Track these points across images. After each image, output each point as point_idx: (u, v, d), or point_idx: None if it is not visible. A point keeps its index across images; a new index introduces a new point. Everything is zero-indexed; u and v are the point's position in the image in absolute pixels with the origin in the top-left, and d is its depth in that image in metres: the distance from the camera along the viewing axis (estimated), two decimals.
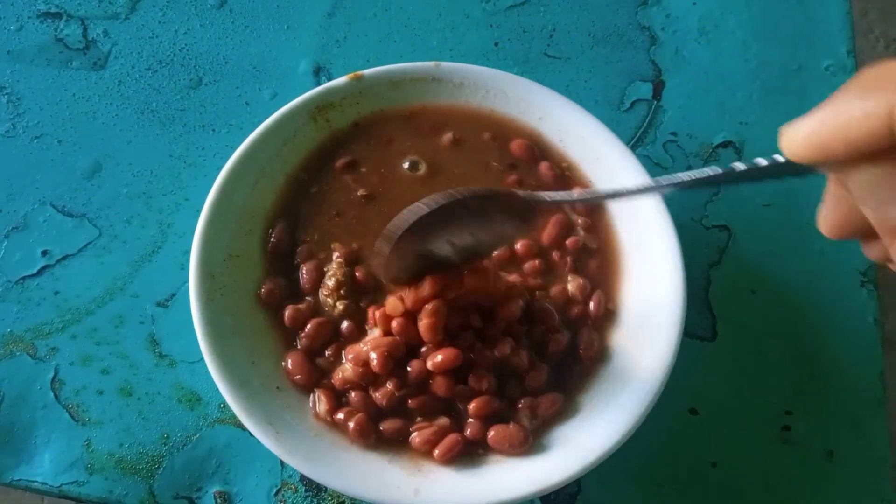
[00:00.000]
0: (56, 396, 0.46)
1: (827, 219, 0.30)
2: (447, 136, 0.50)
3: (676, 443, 0.48)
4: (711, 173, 0.32)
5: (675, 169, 0.56)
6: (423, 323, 0.41)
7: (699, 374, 0.50)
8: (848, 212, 0.28)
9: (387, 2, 0.60)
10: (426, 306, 0.41)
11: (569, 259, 0.47)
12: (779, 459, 0.48)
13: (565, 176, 0.50)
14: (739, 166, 0.31)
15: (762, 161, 0.30)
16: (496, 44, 0.60)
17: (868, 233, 0.27)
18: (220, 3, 0.58)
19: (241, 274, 0.44)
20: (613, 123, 0.50)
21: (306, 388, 0.42)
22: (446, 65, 0.50)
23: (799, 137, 0.26)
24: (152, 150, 0.53)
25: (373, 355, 0.41)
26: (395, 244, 0.37)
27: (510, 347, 0.42)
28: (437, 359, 0.41)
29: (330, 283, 0.44)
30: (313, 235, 0.46)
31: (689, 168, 0.56)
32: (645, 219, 0.47)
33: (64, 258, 0.49)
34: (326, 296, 0.44)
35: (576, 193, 0.46)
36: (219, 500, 0.44)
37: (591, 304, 0.46)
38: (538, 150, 0.50)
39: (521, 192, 0.39)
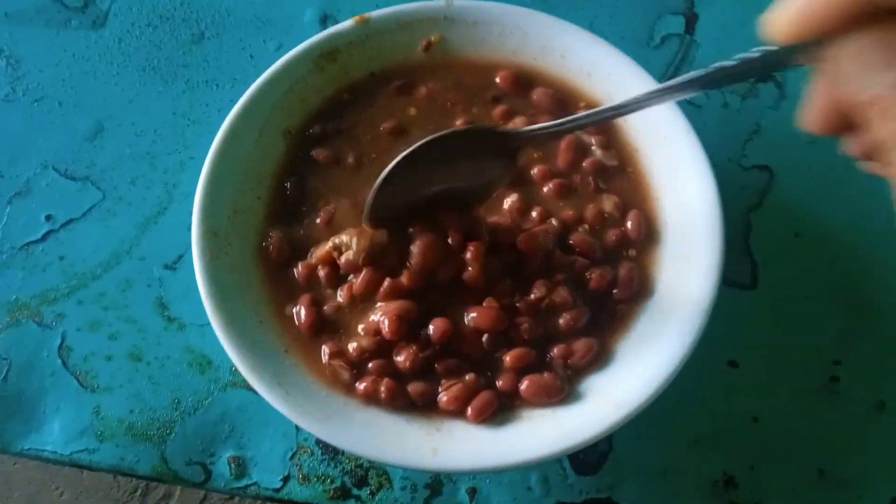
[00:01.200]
0: (64, 363, 0.44)
1: (810, 113, 0.30)
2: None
3: (714, 397, 0.45)
4: (697, 74, 0.32)
5: (709, 106, 0.52)
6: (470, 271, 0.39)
7: (739, 324, 0.46)
8: (831, 103, 0.28)
9: None
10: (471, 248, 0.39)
11: (591, 180, 0.43)
12: (826, 412, 0.44)
13: (565, 99, 0.46)
14: (727, 63, 0.30)
15: (752, 54, 0.29)
16: None
17: (849, 125, 0.27)
18: None
19: (246, 230, 0.42)
20: (643, 61, 0.46)
21: (315, 336, 0.40)
22: (459, 2, 0.47)
23: (786, 17, 0.25)
24: (155, 108, 0.51)
25: (384, 321, 0.39)
26: (381, 187, 0.37)
27: (546, 287, 0.39)
28: (473, 317, 0.39)
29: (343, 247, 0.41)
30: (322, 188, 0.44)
31: (725, 105, 0.52)
32: (664, 130, 0.44)
33: (68, 222, 0.48)
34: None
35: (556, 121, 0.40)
36: (233, 465, 0.42)
37: (630, 225, 0.43)
38: (527, 80, 0.47)
39: (498, 127, 0.37)
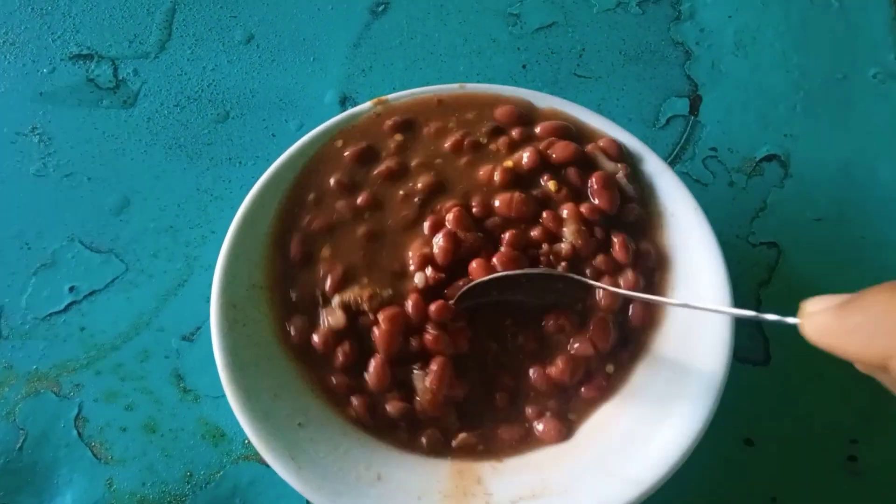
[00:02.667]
0: (79, 434, 0.45)
1: None
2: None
3: (732, 476, 0.44)
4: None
5: (715, 185, 0.54)
6: None
7: (753, 401, 0.46)
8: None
9: (412, 30, 0.60)
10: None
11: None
12: (846, 492, 0.44)
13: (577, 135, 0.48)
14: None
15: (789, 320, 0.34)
16: (524, 66, 0.58)
17: None
18: (247, 38, 0.59)
19: (265, 304, 0.43)
20: (649, 141, 0.48)
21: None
22: (472, 86, 0.49)
23: (812, 329, 0.30)
24: (179, 184, 0.53)
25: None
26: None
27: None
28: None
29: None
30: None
31: (731, 184, 0.54)
32: (671, 207, 0.45)
33: (91, 294, 0.49)
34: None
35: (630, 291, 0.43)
36: None
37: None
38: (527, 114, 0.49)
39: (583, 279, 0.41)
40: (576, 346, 0.41)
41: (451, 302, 0.41)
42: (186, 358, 0.47)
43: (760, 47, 0.59)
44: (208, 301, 0.46)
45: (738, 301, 0.47)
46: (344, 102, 0.56)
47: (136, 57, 0.58)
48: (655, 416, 0.40)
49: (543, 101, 0.49)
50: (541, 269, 0.43)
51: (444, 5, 0.61)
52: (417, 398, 0.41)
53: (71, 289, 0.49)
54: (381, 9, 0.60)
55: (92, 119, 0.55)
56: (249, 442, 0.44)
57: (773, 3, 0.61)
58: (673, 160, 0.55)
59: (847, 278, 0.50)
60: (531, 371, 0.42)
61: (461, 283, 0.42)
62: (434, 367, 0.40)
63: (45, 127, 0.55)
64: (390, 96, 0.48)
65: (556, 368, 0.42)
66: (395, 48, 0.59)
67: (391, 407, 0.41)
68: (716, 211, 0.50)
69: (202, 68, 0.57)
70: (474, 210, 0.45)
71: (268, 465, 0.44)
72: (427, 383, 0.41)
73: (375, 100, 0.48)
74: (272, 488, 0.43)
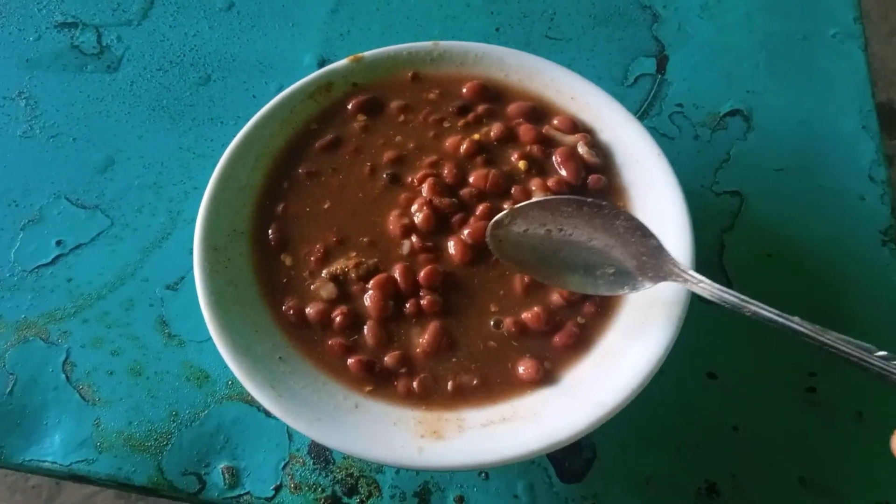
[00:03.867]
0: (67, 378, 0.46)
1: None
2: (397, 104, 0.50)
3: (695, 407, 0.46)
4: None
5: (681, 138, 0.56)
6: None
7: (716, 338, 0.48)
8: None
9: (387, 3, 0.61)
10: None
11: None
12: (805, 422, 0.46)
13: (541, 113, 0.49)
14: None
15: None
16: (497, 29, 0.60)
17: None
18: (227, 5, 0.60)
19: (246, 248, 0.44)
20: (618, 98, 0.49)
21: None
22: (445, 43, 0.51)
23: None
24: (163, 143, 0.54)
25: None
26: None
27: None
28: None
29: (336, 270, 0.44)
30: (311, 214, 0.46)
31: (696, 137, 0.56)
32: (636, 154, 0.47)
33: (77, 247, 0.50)
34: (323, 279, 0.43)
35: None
36: (227, 476, 0.43)
37: None
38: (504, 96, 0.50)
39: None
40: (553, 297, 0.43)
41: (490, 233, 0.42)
42: (171, 306, 0.48)
43: (725, 9, 0.61)
44: (191, 252, 0.48)
45: (701, 246, 0.49)
46: (322, 65, 0.58)
47: (119, 24, 0.59)
48: (620, 348, 0.42)
49: (516, 58, 0.51)
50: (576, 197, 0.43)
51: None
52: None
53: (58, 243, 0.50)
54: None
55: (77, 83, 0.57)
56: (233, 382, 0.46)
57: None
58: (641, 116, 0.57)
59: (806, 224, 0.52)
60: (507, 319, 0.43)
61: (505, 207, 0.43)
62: (428, 333, 0.42)
63: (32, 91, 0.56)
64: (366, 53, 0.50)
65: (531, 315, 0.43)
66: (372, 13, 0.61)
67: (389, 359, 0.42)
68: (681, 163, 0.52)
69: (184, 34, 0.59)
70: (447, 178, 0.46)
71: (251, 404, 0.46)
72: (422, 341, 0.42)
73: (351, 57, 0.50)
74: (255, 425, 0.45)
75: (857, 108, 0.57)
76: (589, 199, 0.41)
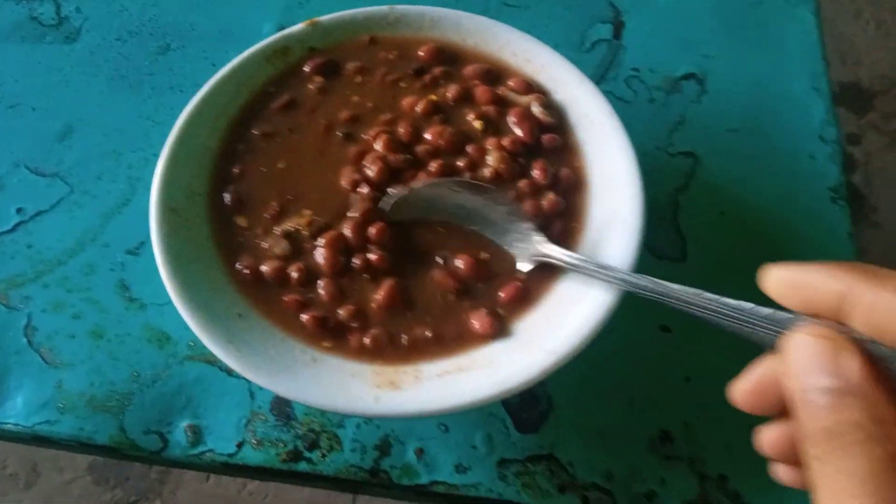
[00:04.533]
0: (29, 342, 0.46)
1: (746, 386, 0.32)
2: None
3: (649, 359, 0.47)
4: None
5: (637, 102, 0.57)
6: None
7: None
8: (771, 384, 0.30)
9: None
10: None
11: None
12: None
13: (497, 75, 0.50)
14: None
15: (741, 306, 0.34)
16: None
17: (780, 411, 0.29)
18: None
19: (203, 210, 0.45)
20: (575, 63, 0.50)
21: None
22: (401, 7, 0.51)
23: (772, 281, 0.30)
24: (122, 111, 0.54)
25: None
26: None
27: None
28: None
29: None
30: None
31: (651, 100, 0.57)
32: (589, 113, 0.48)
33: (37, 214, 0.50)
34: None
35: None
36: (189, 433, 0.44)
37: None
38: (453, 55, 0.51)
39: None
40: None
41: (386, 210, 0.44)
42: (131, 270, 0.49)
43: None
44: None
45: (656, 205, 0.50)
46: None
47: None
48: (571, 299, 0.43)
49: (472, 21, 0.51)
50: (467, 179, 0.45)
51: None
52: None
53: (18, 210, 0.50)
54: None
55: (35, 54, 0.57)
56: (194, 343, 0.47)
57: None
58: (597, 80, 0.58)
59: (759, 183, 0.53)
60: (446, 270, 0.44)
61: (394, 190, 0.44)
62: (382, 289, 0.43)
63: None
64: (322, 18, 0.50)
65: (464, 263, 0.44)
66: None
67: (343, 314, 0.42)
68: (637, 125, 0.53)
69: (143, 4, 0.59)
70: (401, 135, 0.47)
71: (213, 364, 0.46)
72: (376, 297, 0.43)
73: (307, 21, 0.50)
74: (217, 384, 0.45)
75: (808, 71, 0.58)
76: (475, 182, 0.44)
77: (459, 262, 0.43)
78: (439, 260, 0.44)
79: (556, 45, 0.57)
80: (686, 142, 0.55)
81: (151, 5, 0.59)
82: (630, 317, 0.42)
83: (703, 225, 0.52)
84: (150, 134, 0.53)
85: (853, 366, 0.26)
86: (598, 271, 0.40)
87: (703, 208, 0.53)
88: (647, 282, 0.38)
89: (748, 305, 0.33)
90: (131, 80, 0.56)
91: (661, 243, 0.51)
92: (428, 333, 0.42)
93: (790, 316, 0.30)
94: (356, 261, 0.43)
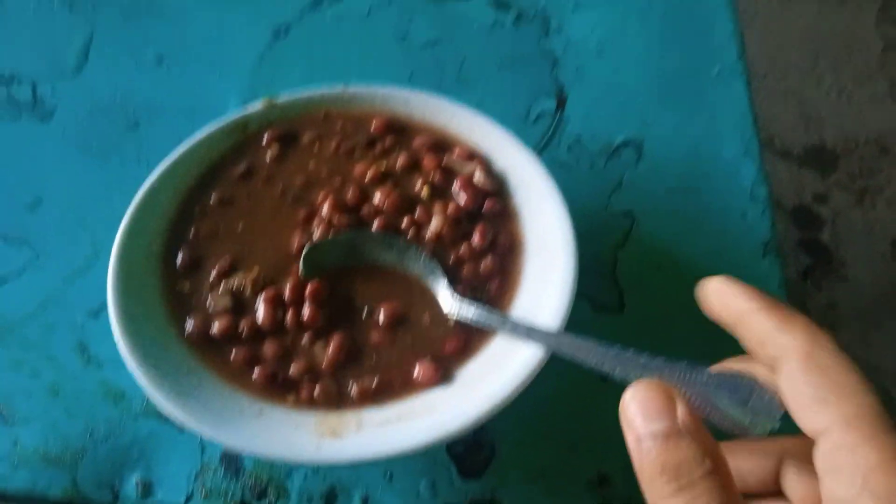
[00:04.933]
0: None
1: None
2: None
3: (589, 406, 0.49)
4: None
5: (578, 168, 0.60)
6: None
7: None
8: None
9: (311, 50, 0.67)
10: None
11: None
12: None
13: (444, 145, 0.54)
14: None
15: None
16: (411, 75, 0.65)
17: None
18: (158, 58, 0.65)
19: (157, 272, 0.47)
20: (521, 134, 0.53)
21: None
22: (354, 87, 0.55)
23: (705, 288, 0.39)
24: (90, 182, 0.58)
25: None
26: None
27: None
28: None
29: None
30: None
31: (592, 166, 0.61)
32: (525, 176, 0.51)
33: (2, 279, 0.53)
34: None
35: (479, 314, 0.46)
36: (139, 487, 0.45)
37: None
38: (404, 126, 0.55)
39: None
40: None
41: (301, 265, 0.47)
42: (90, 330, 0.51)
43: (620, 53, 0.67)
44: None
45: (596, 261, 0.53)
46: None
47: (54, 77, 0.63)
48: (511, 346, 0.45)
49: (420, 97, 0.55)
50: (378, 232, 0.49)
51: (340, 29, 0.68)
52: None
53: None
54: (283, 31, 0.67)
55: (10, 132, 0.60)
56: (148, 400, 0.48)
57: (631, 16, 0.70)
58: (542, 149, 0.61)
59: (694, 240, 0.56)
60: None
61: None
62: (331, 343, 0.45)
63: None
64: (279, 98, 0.54)
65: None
66: (295, 64, 0.66)
67: (292, 369, 0.45)
68: (578, 189, 0.57)
69: (115, 86, 0.63)
70: (349, 198, 0.50)
71: (165, 420, 0.47)
72: (323, 350, 0.45)
73: (266, 100, 0.54)
74: (169, 439, 0.47)
75: (739, 136, 0.62)
76: (384, 234, 0.48)
77: (395, 313, 0.46)
78: (379, 311, 0.46)
79: (504, 118, 0.62)
80: (624, 202, 0.58)
81: (123, 85, 0.63)
82: (571, 366, 0.43)
83: (641, 278, 0.55)
84: (114, 202, 0.55)
85: (682, 410, 0.29)
86: (516, 331, 0.44)
87: (640, 263, 0.56)
88: (563, 343, 0.42)
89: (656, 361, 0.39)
90: (100, 153, 0.59)
91: (601, 296, 0.54)
92: (373, 382, 0.44)
93: (681, 365, 0.34)
94: (299, 316, 0.45)
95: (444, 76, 0.66)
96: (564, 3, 0.71)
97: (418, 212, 0.50)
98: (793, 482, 0.34)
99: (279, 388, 0.44)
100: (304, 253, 0.47)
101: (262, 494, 0.45)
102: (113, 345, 0.49)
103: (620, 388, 0.50)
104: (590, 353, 0.41)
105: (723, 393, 0.39)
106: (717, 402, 0.39)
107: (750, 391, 0.40)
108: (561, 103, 0.64)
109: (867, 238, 1.70)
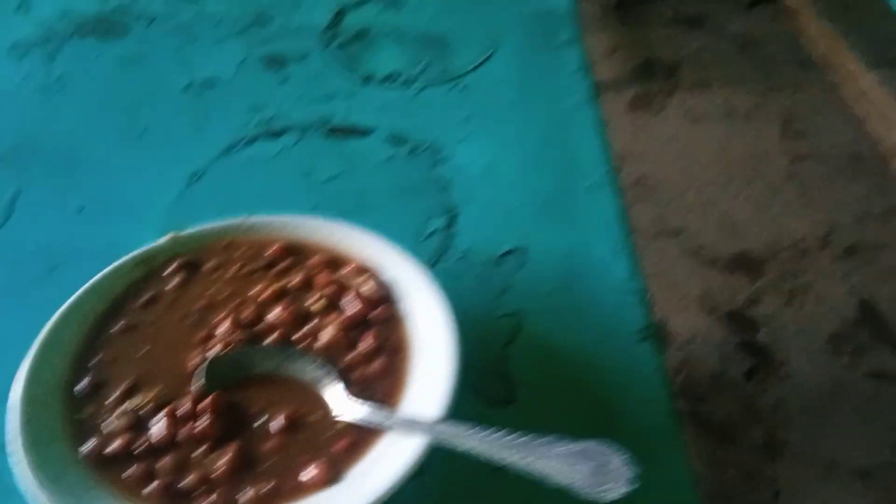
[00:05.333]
0: None
1: None
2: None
3: (481, 496, 0.51)
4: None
5: (468, 276, 0.66)
6: None
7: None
8: None
9: (222, 194, 0.73)
10: None
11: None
12: None
13: (338, 262, 0.59)
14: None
15: None
16: (315, 206, 0.72)
17: None
18: (79, 209, 0.71)
19: (59, 397, 0.50)
20: (416, 250, 0.59)
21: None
22: (253, 218, 0.61)
23: None
24: (9, 323, 0.61)
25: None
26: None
27: None
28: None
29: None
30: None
31: (480, 274, 0.66)
32: (409, 285, 0.57)
33: None
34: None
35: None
36: None
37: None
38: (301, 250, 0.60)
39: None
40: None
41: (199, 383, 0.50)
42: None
43: (503, 174, 0.75)
44: None
45: (487, 359, 0.57)
46: None
47: None
48: (396, 442, 0.48)
49: (315, 221, 0.61)
50: (271, 345, 0.53)
51: (251, 170, 0.75)
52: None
53: None
54: (197, 175, 0.74)
55: None
56: None
57: (512, 143, 0.79)
58: (435, 262, 0.67)
59: (576, 333, 0.61)
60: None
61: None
62: (225, 454, 0.48)
63: None
64: (183, 232, 0.60)
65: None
66: (209, 205, 0.72)
67: (188, 481, 0.47)
68: (468, 295, 0.62)
69: (38, 234, 0.68)
70: (245, 317, 0.55)
71: None
72: (220, 462, 0.48)
73: (170, 235, 0.59)
74: None
75: (610, 239, 0.69)
76: (278, 346, 0.53)
77: (288, 419, 0.49)
78: (272, 418, 0.49)
79: (400, 237, 0.68)
80: (511, 304, 0.63)
81: (46, 233, 0.68)
82: (463, 458, 0.46)
83: (530, 373, 0.59)
84: (31, 338, 0.60)
85: None
86: (401, 426, 0.47)
87: (528, 358, 0.60)
88: (445, 432, 0.46)
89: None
90: (21, 296, 0.63)
91: (492, 390, 0.57)
92: (266, 488, 0.47)
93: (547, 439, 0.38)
94: (195, 429, 0.48)
95: (345, 205, 0.72)
96: (453, 135, 0.79)
97: (312, 324, 0.54)
98: None
99: (174, 499, 0.46)
100: (202, 369, 0.51)
101: None
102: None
103: (514, 479, 0.53)
104: (469, 439, 0.44)
105: (583, 460, 0.43)
106: (578, 468, 0.42)
107: (608, 459, 0.44)
108: (451, 221, 0.71)
109: (803, 335, 1.76)
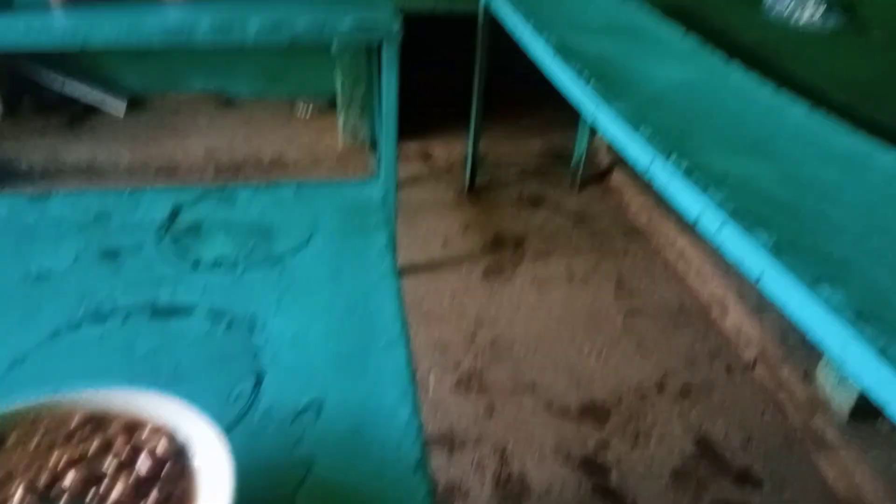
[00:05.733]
0: None
1: None
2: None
3: None
4: None
5: (267, 432, 0.74)
6: None
7: None
8: None
9: (46, 374, 0.79)
10: None
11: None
12: None
13: (137, 425, 0.66)
14: None
15: None
16: (131, 380, 0.79)
17: None
18: None
19: None
20: (222, 412, 0.67)
21: None
22: (60, 392, 0.68)
23: None
24: None
25: None
26: None
27: None
28: None
29: None
30: None
31: (278, 427, 0.74)
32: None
33: None
34: None
35: None
36: None
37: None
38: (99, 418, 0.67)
39: None
40: None
41: None
42: None
43: (309, 339, 0.86)
44: None
45: (278, 499, 0.64)
46: None
47: None
48: None
49: (117, 392, 0.69)
50: None
51: (73, 355, 0.82)
52: None
53: None
54: (20, 360, 0.80)
55: None
56: None
57: (318, 312, 0.90)
58: (239, 421, 0.75)
59: (360, 472, 0.70)
60: None
61: None
62: None
63: None
64: None
65: None
66: (30, 388, 0.77)
67: None
68: (263, 450, 0.70)
69: None
70: (40, 484, 0.60)
71: None
72: None
73: None
74: None
75: (398, 388, 0.79)
76: None
77: None
78: None
79: (208, 400, 0.76)
80: (304, 452, 0.71)
81: None
82: None
83: None
84: None
85: None
86: None
87: (316, 498, 0.67)
88: None
89: None
90: None
91: None
92: None
93: None
94: None
95: (160, 376, 0.80)
96: (268, 309, 0.90)
97: (104, 484, 0.60)
98: None
99: None
100: None
101: None
102: None
103: None
104: None
105: None
106: None
107: None
108: (258, 383, 0.80)
109: (649, 475, 1.88)
